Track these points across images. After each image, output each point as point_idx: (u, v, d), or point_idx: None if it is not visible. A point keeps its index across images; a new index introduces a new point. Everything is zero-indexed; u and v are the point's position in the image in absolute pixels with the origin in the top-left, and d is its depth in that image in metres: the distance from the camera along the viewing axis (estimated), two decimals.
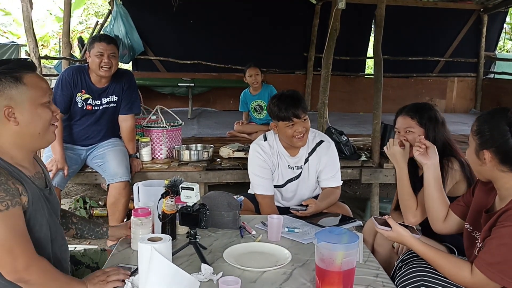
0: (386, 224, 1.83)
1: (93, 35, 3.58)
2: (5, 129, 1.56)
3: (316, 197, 2.75)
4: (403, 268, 1.91)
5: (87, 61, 3.39)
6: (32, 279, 1.46)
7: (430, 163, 2.09)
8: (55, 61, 8.32)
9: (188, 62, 8.18)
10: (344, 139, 4.33)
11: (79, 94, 3.37)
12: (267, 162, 2.75)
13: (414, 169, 2.43)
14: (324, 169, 2.78)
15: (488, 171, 1.69)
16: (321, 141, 2.80)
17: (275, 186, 2.82)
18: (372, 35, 6.93)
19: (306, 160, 2.78)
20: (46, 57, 7.47)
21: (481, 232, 1.73)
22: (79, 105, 3.39)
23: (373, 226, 2.38)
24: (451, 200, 2.17)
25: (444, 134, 2.33)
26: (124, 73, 3.63)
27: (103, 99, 3.44)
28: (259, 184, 2.75)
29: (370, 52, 8.63)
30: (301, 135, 2.62)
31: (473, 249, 1.75)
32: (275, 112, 2.61)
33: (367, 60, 8.97)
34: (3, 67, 1.55)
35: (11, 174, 1.51)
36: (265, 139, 2.80)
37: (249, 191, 2.88)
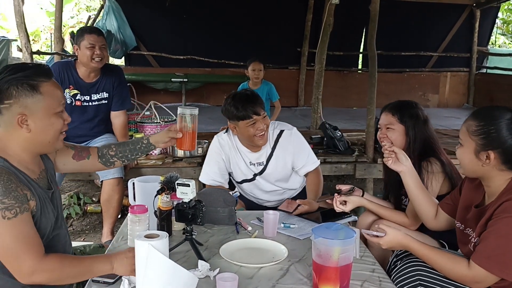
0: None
1: (80, 28, 3.54)
2: (16, 135, 1.57)
3: (298, 196, 2.78)
4: (399, 264, 1.91)
5: (76, 54, 3.34)
6: (42, 281, 1.49)
7: (404, 169, 2.04)
8: (47, 56, 8.24)
9: (181, 57, 8.15)
10: (338, 135, 4.34)
11: (67, 90, 3.33)
12: (221, 155, 2.69)
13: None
14: (295, 157, 2.70)
15: (485, 170, 1.69)
16: (281, 132, 2.70)
17: (242, 182, 2.77)
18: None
19: (271, 155, 2.69)
20: (38, 52, 7.38)
21: (473, 228, 1.74)
22: (68, 101, 3.35)
23: (367, 221, 2.40)
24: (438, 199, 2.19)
25: (425, 133, 2.30)
26: (114, 69, 3.60)
27: (92, 95, 3.41)
28: (203, 171, 2.72)
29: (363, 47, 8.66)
30: (263, 133, 2.53)
31: (468, 246, 1.76)
32: (233, 112, 2.50)
33: (360, 55, 8.97)
34: (20, 74, 1.54)
35: (20, 180, 1.52)
36: (227, 131, 2.73)
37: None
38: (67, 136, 1.74)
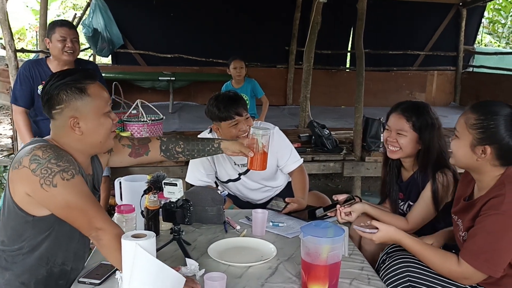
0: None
1: (52, 21, 3.49)
2: (69, 138, 1.63)
3: (284, 192, 2.77)
4: (388, 261, 1.91)
5: (48, 47, 3.29)
6: (103, 240, 1.53)
7: (377, 238, 1.81)
8: (32, 55, 8.15)
9: (169, 55, 8.10)
10: (326, 133, 4.35)
11: (40, 87, 3.25)
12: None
13: (398, 171, 2.37)
14: (278, 156, 2.69)
15: (478, 164, 1.68)
16: None
17: (227, 181, 2.76)
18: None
19: None
20: (22, 50, 7.30)
21: (462, 220, 1.75)
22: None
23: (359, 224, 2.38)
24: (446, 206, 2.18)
25: (439, 142, 2.19)
26: (88, 64, 3.56)
27: None
28: (189, 172, 2.68)
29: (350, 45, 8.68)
30: (245, 134, 2.48)
31: (457, 235, 1.78)
32: (215, 113, 2.48)
33: (348, 53, 9.00)
34: (68, 79, 1.60)
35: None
36: (210, 131, 2.70)
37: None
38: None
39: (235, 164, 2.67)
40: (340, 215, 2.10)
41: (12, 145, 4.13)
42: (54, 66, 3.29)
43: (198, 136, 2.71)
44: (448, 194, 2.17)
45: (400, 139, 2.20)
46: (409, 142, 2.19)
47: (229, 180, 2.74)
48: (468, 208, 1.72)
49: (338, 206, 2.12)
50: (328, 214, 2.21)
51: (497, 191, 1.61)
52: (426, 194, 2.17)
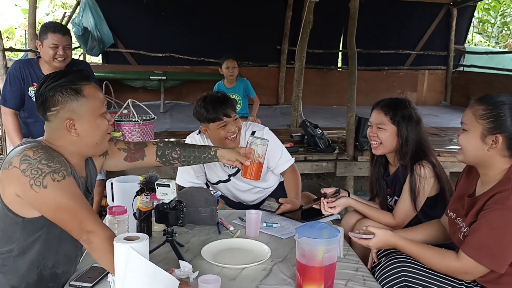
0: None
1: (44, 24, 3.35)
2: (64, 140, 1.61)
3: (276, 193, 2.75)
4: (383, 261, 1.90)
5: (38, 50, 3.20)
6: (94, 243, 1.51)
7: (373, 244, 1.83)
8: (21, 54, 8.06)
9: (160, 54, 8.06)
10: (318, 133, 4.34)
11: (31, 88, 3.19)
12: None
13: (384, 167, 2.41)
14: (269, 156, 2.62)
15: (488, 155, 1.67)
16: (253, 133, 2.65)
17: (217, 182, 2.73)
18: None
19: None
20: (11, 49, 7.23)
21: (463, 218, 1.75)
22: (34, 99, 3.23)
23: (351, 221, 2.39)
24: (427, 201, 2.20)
25: (418, 134, 2.25)
26: (80, 63, 3.49)
27: None
28: (179, 174, 2.66)
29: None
30: (234, 135, 2.48)
31: (457, 234, 1.76)
32: (203, 115, 2.45)
33: (340, 53, 9.00)
34: (62, 80, 1.57)
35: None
36: (199, 132, 2.67)
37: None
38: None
39: (225, 166, 2.65)
40: (324, 207, 2.15)
41: (1, 145, 4.08)
42: (45, 68, 3.22)
43: (187, 137, 2.69)
44: (427, 187, 2.19)
45: (380, 134, 2.27)
46: (388, 135, 2.26)
47: (219, 182, 2.72)
48: (472, 205, 1.71)
49: (322, 198, 2.15)
50: (314, 206, 2.24)
51: (503, 186, 1.60)
52: (406, 187, 2.20)
